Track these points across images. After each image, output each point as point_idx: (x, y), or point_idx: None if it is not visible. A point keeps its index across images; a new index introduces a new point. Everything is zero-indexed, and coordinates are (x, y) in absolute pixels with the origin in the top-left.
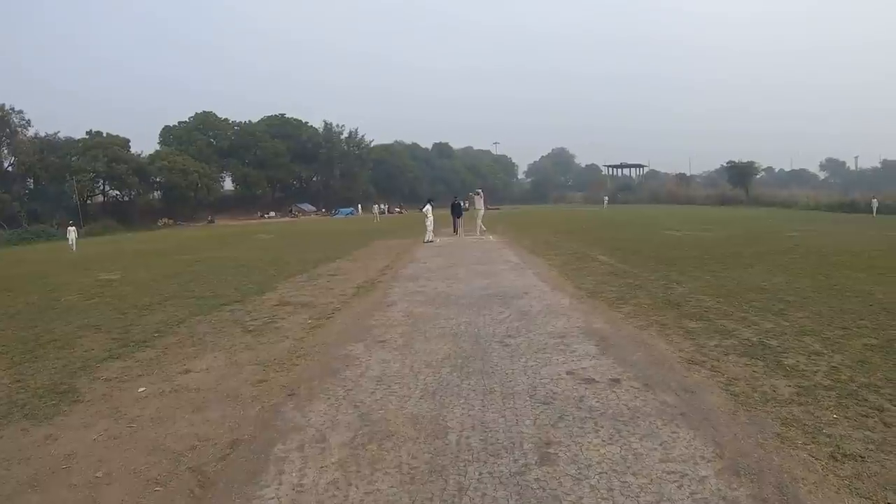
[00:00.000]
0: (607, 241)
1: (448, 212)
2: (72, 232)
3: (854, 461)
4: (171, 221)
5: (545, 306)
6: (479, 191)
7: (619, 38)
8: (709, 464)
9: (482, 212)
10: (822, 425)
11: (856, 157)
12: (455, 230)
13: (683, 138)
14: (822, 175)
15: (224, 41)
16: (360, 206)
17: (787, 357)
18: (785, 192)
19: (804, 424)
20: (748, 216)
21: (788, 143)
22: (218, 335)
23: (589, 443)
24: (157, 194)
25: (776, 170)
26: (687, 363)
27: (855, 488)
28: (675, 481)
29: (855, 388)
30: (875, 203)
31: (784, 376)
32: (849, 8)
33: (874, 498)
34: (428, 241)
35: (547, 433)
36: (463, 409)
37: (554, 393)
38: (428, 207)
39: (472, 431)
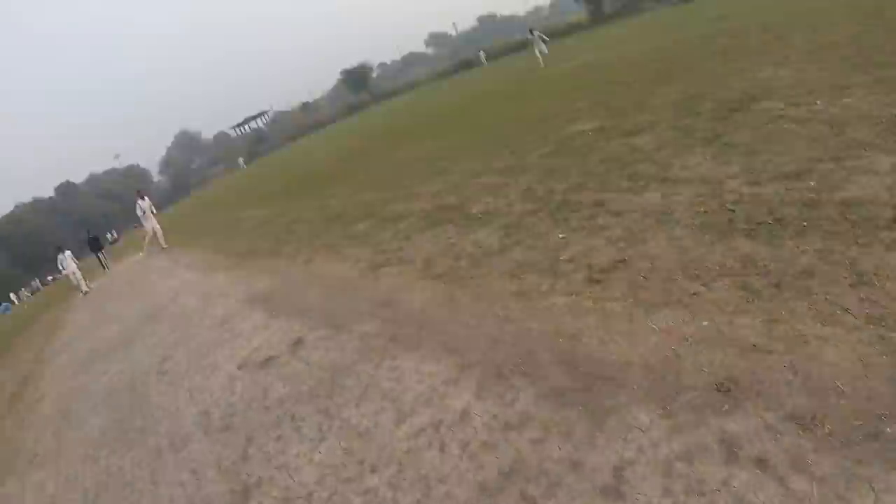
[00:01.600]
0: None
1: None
2: None
3: None
4: None
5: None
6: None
7: None
8: None
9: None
10: None
11: (454, 24)
12: (103, 266)
13: (293, 70)
14: (430, 51)
15: None
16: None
17: (472, 205)
18: (403, 80)
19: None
20: (369, 118)
21: (390, 34)
22: None
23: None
24: None
25: (388, 62)
26: (371, 270)
27: None
28: None
29: (560, 198)
30: (482, 55)
31: (484, 224)
32: None
33: None
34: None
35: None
36: None
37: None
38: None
39: None
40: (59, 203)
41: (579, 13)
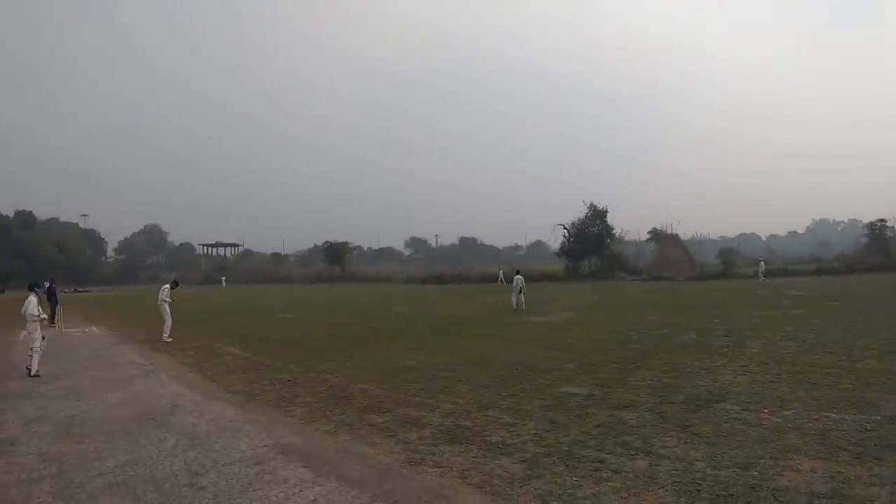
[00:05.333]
0: (228, 330)
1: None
2: None
3: None
4: None
5: (210, 422)
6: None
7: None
8: None
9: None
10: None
11: (436, 236)
12: (52, 322)
13: (276, 220)
14: (406, 252)
15: None
16: None
17: (490, 434)
18: (375, 269)
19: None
20: (350, 294)
21: (374, 224)
22: None
23: None
24: None
25: (365, 248)
26: (410, 464)
27: None
28: None
29: (566, 448)
30: (501, 274)
31: (504, 454)
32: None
33: None
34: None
35: None
36: None
37: None
38: (25, 305)
39: None
40: None
41: (556, 266)
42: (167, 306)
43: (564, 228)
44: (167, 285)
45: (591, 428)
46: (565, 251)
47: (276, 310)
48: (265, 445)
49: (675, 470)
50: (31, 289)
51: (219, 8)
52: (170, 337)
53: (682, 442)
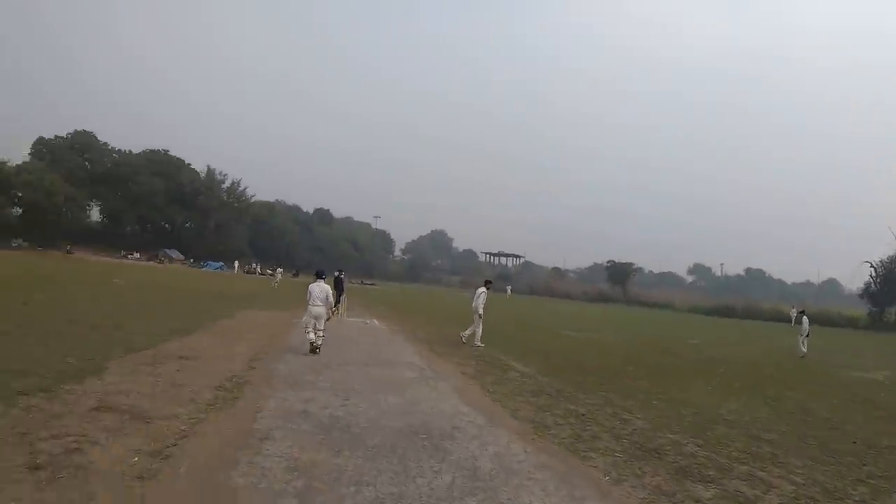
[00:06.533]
0: (511, 342)
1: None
2: None
3: None
4: (25, 243)
5: (495, 458)
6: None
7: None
8: None
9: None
10: None
11: (721, 264)
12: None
13: (557, 233)
14: (689, 279)
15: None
16: (236, 263)
17: None
18: (658, 293)
19: None
20: (633, 317)
21: (655, 246)
22: None
23: None
24: (16, 209)
25: (646, 271)
26: None
27: None
28: None
29: None
30: (793, 312)
31: None
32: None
33: None
34: (313, 345)
35: None
36: None
37: None
38: (311, 288)
39: None
40: None
41: (856, 310)
42: (481, 309)
43: (871, 266)
44: (483, 289)
45: None
46: (870, 294)
47: (560, 326)
48: None
49: None
50: (318, 276)
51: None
52: (481, 342)
53: None
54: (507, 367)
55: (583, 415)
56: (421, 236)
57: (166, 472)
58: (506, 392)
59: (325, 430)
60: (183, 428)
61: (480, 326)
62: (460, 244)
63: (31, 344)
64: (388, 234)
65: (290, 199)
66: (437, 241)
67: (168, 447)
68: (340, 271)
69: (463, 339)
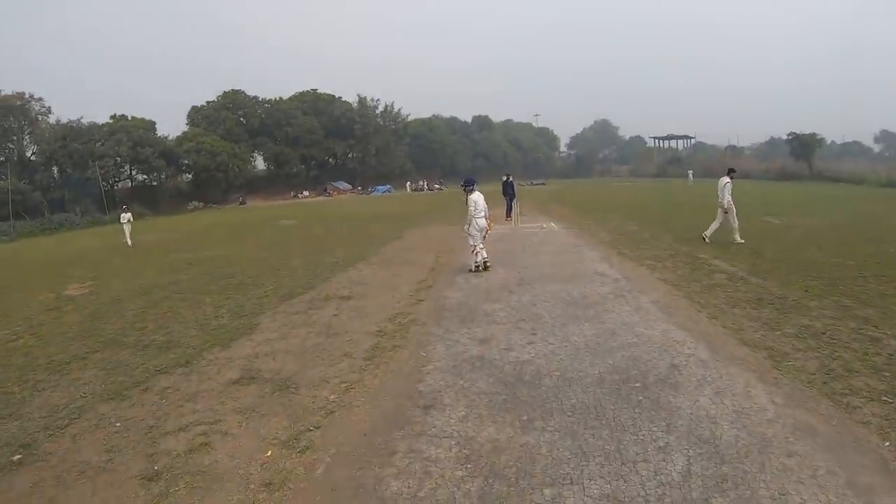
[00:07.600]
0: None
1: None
2: (125, 217)
3: None
4: (201, 204)
5: (736, 418)
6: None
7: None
8: None
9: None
10: None
11: None
12: (508, 216)
13: (726, 107)
14: (876, 148)
15: (247, 18)
16: (408, 183)
17: None
18: (847, 167)
19: None
20: (828, 195)
21: (836, 114)
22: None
23: None
24: (186, 177)
25: (828, 142)
26: None
27: None
28: None
29: None
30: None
31: None
32: None
33: None
34: (476, 266)
35: None
36: None
37: None
38: (475, 198)
39: None
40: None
41: None
42: (727, 201)
43: None
44: (726, 178)
45: None
46: None
47: (754, 211)
48: None
49: None
50: (465, 186)
51: None
52: (741, 238)
53: None
54: (711, 268)
55: (822, 333)
56: (585, 129)
57: (299, 474)
58: (719, 304)
59: (509, 386)
60: (332, 398)
61: (736, 220)
62: (627, 132)
63: (181, 311)
64: (551, 130)
65: (448, 112)
66: (602, 130)
67: (309, 430)
68: (508, 175)
69: (706, 238)
